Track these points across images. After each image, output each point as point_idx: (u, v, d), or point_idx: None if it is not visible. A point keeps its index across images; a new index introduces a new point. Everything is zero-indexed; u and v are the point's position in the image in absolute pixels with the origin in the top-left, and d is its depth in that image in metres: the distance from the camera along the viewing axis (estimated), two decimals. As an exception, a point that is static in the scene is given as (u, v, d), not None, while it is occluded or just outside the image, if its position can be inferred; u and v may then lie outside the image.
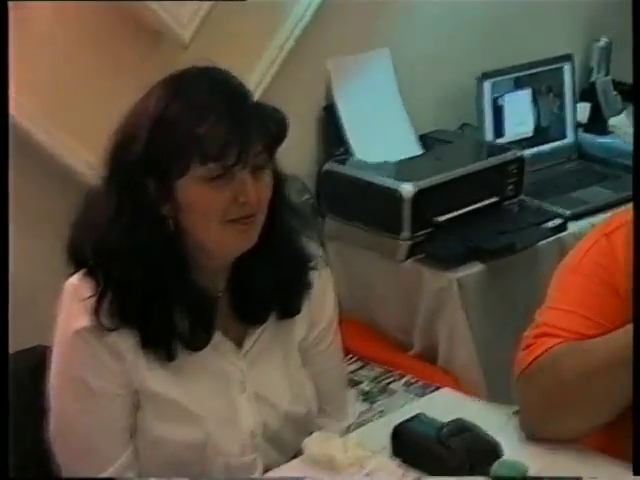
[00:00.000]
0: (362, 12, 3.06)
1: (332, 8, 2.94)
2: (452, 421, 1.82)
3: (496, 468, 1.47)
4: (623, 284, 1.87)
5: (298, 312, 1.91)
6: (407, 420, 1.87)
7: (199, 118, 1.71)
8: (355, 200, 2.87)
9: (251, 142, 1.72)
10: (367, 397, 2.63)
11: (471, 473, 1.74)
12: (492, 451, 1.77)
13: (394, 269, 2.83)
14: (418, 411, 1.92)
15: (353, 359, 2.77)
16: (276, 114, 1.77)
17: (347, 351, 2.69)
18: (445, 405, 1.99)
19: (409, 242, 2.80)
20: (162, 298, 1.80)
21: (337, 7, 2.96)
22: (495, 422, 1.90)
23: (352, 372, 2.73)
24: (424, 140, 3.12)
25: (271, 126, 1.75)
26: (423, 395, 2.44)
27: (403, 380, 2.70)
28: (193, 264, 1.81)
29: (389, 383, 2.71)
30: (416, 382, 2.66)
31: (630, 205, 1.97)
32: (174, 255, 1.80)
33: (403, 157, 2.98)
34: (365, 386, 2.69)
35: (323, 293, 1.98)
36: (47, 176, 2.62)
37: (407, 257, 2.81)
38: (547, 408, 1.84)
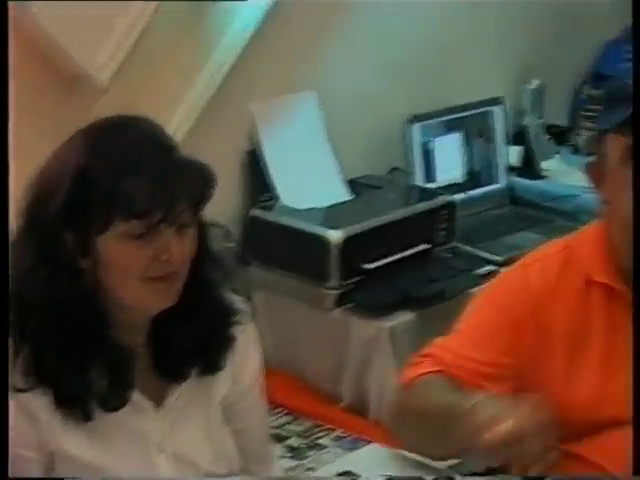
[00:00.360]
0: (287, 54, 3.09)
1: (256, 50, 2.95)
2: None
3: None
4: (532, 316, 1.93)
5: (220, 368, 1.88)
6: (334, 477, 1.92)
7: (123, 173, 1.69)
8: (282, 247, 2.86)
9: (177, 200, 1.70)
10: (295, 453, 2.61)
11: None
12: None
13: (322, 318, 2.83)
14: (347, 467, 1.92)
15: (281, 413, 2.74)
16: (204, 170, 1.75)
17: (274, 404, 2.68)
18: (374, 460, 1.99)
19: (337, 291, 2.81)
20: (78, 355, 1.76)
21: (261, 49, 2.97)
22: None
23: (280, 427, 2.72)
24: (353, 185, 3.14)
25: (198, 183, 1.73)
26: (354, 450, 2.38)
27: (333, 434, 2.69)
28: (111, 320, 1.78)
29: (318, 438, 2.69)
30: (346, 436, 2.64)
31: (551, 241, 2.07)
32: (92, 310, 1.77)
33: (331, 203, 3.00)
34: (293, 442, 2.67)
35: (247, 348, 1.95)
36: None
37: (335, 306, 2.81)
38: (393, 426, 1.97)
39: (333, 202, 3.01)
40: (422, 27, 3.45)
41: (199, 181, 1.73)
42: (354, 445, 2.54)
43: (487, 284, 2.16)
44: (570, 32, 3.86)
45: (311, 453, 2.64)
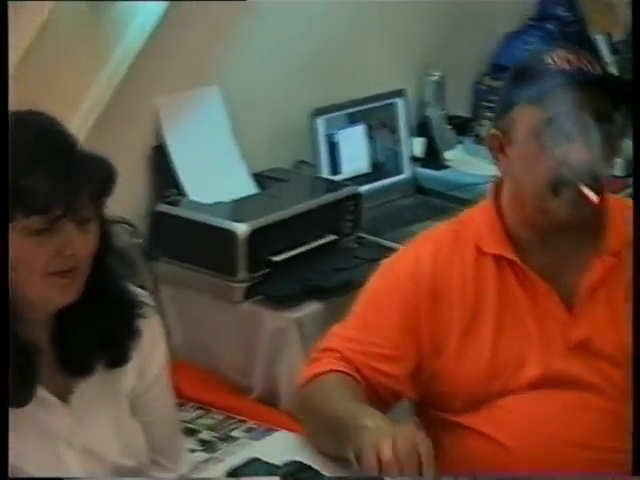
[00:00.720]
0: (191, 48, 3.08)
1: (159, 45, 2.94)
2: (288, 463, 1.85)
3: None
4: (426, 294, 1.99)
5: (126, 362, 1.89)
6: (242, 465, 1.90)
7: (23, 169, 1.69)
8: (189, 242, 2.87)
9: (78, 195, 1.71)
10: (207, 446, 2.63)
11: None
12: None
13: (231, 311, 2.85)
14: (255, 455, 1.93)
15: (192, 407, 2.76)
16: (104, 164, 1.77)
17: (186, 398, 2.72)
18: (283, 447, 2.01)
19: (245, 283, 2.83)
20: None
21: (165, 44, 2.96)
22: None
23: (191, 421, 2.73)
24: (259, 179, 3.16)
25: (99, 178, 1.75)
26: (264, 436, 2.43)
27: (244, 426, 2.71)
28: (13, 316, 1.77)
29: (230, 430, 2.71)
30: (258, 427, 2.66)
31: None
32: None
33: (237, 197, 3.02)
34: (205, 435, 2.69)
35: (152, 341, 1.97)
36: None
37: (244, 299, 2.83)
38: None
39: (239, 196, 3.03)
40: (325, 22, 3.47)
41: (100, 176, 1.75)
42: (266, 435, 2.53)
43: (380, 267, 2.19)
44: (470, 25, 3.93)
45: (223, 445, 2.66)
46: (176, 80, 3.05)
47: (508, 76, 2.05)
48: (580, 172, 1.90)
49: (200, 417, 2.78)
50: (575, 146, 1.90)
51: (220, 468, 2.00)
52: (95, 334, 1.85)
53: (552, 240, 2.00)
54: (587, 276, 2.00)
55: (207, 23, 3.11)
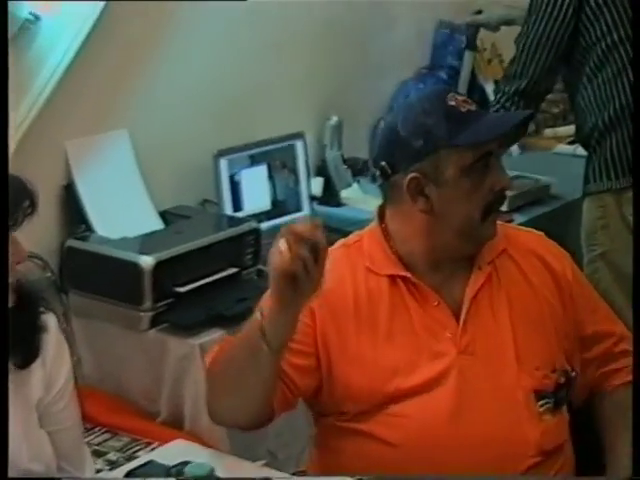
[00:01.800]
0: (100, 94, 3.12)
1: (69, 88, 2.97)
2: (180, 463, 1.92)
3: (188, 469, 1.59)
4: (326, 307, 2.04)
5: (34, 357, 1.97)
6: (139, 466, 2.02)
7: None
8: (97, 274, 2.92)
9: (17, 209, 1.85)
10: (114, 466, 2.63)
11: None
12: None
13: (138, 339, 2.89)
14: (151, 459, 2.05)
15: (101, 431, 2.81)
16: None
17: (95, 423, 2.82)
18: (178, 453, 2.07)
19: (151, 312, 2.86)
20: None
21: (75, 87, 2.99)
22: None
23: (99, 444, 2.77)
24: (165, 216, 3.21)
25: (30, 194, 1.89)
26: None
27: (150, 447, 2.72)
28: None
29: (136, 452, 2.73)
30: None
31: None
32: None
33: (144, 232, 3.06)
34: (112, 456, 2.73)
35: (59, 356, 2.05)
36: None
37: (150, 327, 2.87)
38: (210, 396, 2.06)
39: (146, 231, 3.07)
40: (230, 65, 3.51)
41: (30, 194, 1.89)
42: None
43: None
44: (368, 73, 4.04)
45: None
46: (86, 123, 3.09)
47: (420, 126, 2.04)
48: (503, 196, 2.09)
49: (107, 440, 2.80)
50: (500, 175, 2.05)
51: (120, 471, 2.07)
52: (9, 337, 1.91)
53: (439, 258, 2.10)
54: (469, 287, 2.10)
55: (117, 67, 3.15)
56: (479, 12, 3.90)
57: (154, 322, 2.88)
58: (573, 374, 2.17)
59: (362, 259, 2.13)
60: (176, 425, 2.86)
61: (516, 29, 3.62)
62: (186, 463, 1.90)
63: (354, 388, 2.07)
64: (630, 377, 2.19)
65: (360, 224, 3.36)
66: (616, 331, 2.26)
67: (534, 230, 2.36)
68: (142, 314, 2.86)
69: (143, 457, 2.17)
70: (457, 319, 2.09)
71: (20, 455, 1.96)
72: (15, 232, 1.90)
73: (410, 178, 2.01)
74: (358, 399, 2.07)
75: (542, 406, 2.09)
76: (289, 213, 3.52)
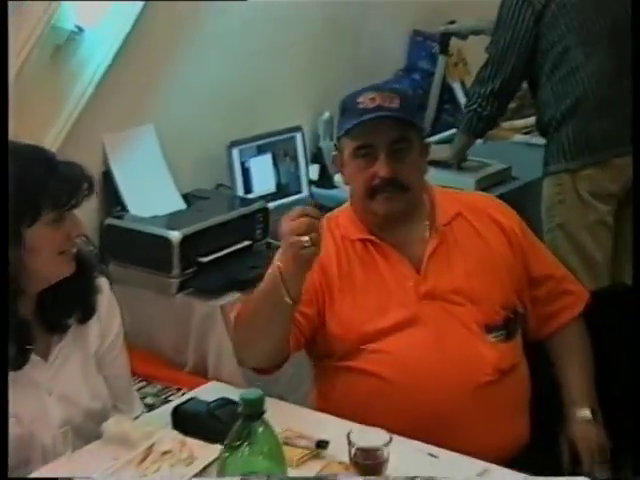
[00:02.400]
0: (130, 94, 3.13)
1: (105, 92, 2.98)
2: (217, 399, 2.01)
3: (242, 395, 1.58)
4: (320, 270, 2.12)
5: (92, 315, 2.03)
6: (183, 402, 2.06)
7: (41, 181, 1.86)
8: (133, 248, 2.93)
9: (80, 192, 1.91)
10: (151, 408, 2.57)
11: None
12: None
13: (168, 302, 2.90)
14: (192, 396, 2.10)
15: (137, 380, 2.80)
16: (86, 171, 1.95)
17: (132, 373, 2.76)
18: (214, 392, 2.13)
19: (178, 279, 2.88)
20: None
21: (109, 91, 3.01)
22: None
23: (137, 390, 2.70)
24: (187, 197, 3.21)
25: (88, 178, 1.94)
26: None
27: (180, 392, 2.71)
28: (14, 296, 1.87)
29: (168, 396, 2.75)
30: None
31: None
32: (10, 292, 1.85)
33: (170, 211, 3.07)
34: (149, 400, 2.74)
35: (111, 313, 2.12)
36: None
37: (178, 291, 2.88)
38: (238, 346, 2.16)
39: (172, 211, 3.08)
40: (238, 69, 3.51)
41: (87, 177, 1.94)
42: None
43: None
44: (353, 74, 3.87)
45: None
46: (119, 119, 3.10)
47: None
48: (385, 182, 2.12)
49: (144, 387, 2.81)
50: (379, 164, 2.10)
51: (167, 408, 2.08)
52: (69, 298, 1.98)
53: (394, 224, 2.18)
54: (428, 245, 2.18)
55: (144, 72, 3.16)
56: (452, 22, 3.97)
57: (181, 287, 2.90)
58: (522, 310, 2.23)
59: (338, 229, 2.21)
60: (201, 373, 2.88)
61: (481, 38, 3.71)
62: (223, 399, 2.00)
63: (340, 331, 2.14)
64: (573, 314, 2.28)
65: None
66: (558, 273, 2.32)
67: (485, 193, 2.47)
68: (171, 280, 2.88)
69: (185, 396, 2.20)
70: (418, 272, 2.16)
71: (81, 396, 2.01)
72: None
73: (333, 155, 2.27)
74: (344, 340, 2.14)
75: (495, 337, 2.16)
76: (291, 195, 3.54)
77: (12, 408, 1.87)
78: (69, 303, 2.00)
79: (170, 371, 2.92)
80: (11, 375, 1.88)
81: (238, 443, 1.36)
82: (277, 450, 1.46)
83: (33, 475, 1.85)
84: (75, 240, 1.95)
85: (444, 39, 4.01)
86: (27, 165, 1.89)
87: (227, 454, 1.37)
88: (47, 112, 2.83)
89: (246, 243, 3.08)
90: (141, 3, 2.99)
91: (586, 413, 2.19)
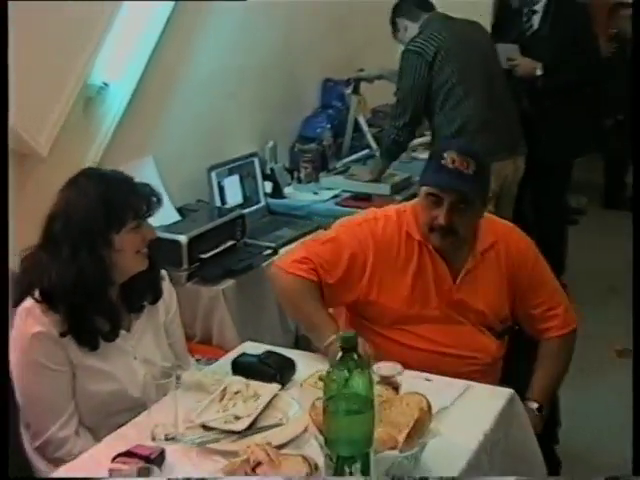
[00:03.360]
0: (138, 132, 3.12)
1: (118, 134, 2.95)
2: (266, 351, 2.11)
3: (341, 333, 1.54)
4: (364, 255, 2.14)
5: (159, 298, 2.11)
6: (238, 356, 2.13)
7: (127, 194, 1.94)
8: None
9: (152, 205, 1.99)
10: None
11: (281, 379, 2.00)
12: (292, 364, 2.08)
13: (180, 290, 2.57)
14: (242, 352, 2.16)
15: None
16: (153, 188, 2.04)
17: None
18: (250, 348, 2.21)
19: (187, 272, 2.91)
20: (93, 313, 1.93)
21: (123, 131, 2.97)
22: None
23: None
24: (180, 211, 3.25)
25: (155, 194, 2.04)
26: (208, 364, 2.37)
27: (192, 359, 2.60)
28: (105, 284, 1.95)
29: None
30: (201, 359, 2.59)
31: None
32: (104, 281, 1.93)
33: (171, 222, 3.09)
34: None
35: (170, 294, 2.21)
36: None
37: (187, 281, 2.90)
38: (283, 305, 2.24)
39: (172, 221, 3.11)
40: (210, 109, 3.51)
41: (155, 194, 2.02)
42: (207, 362, 2.49)
43: (347, 219, 2.29)
44: (286, 112, 4.05)
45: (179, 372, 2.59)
46: (129, 152, 3.05)
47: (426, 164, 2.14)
48: (441, 227, 2.11)
49: None
50: (441, 211, 2.08)
51: (220, 362, 2.16)
52: (145, 283, 2.07)
53: (446, 241, 2.15)
54: (465, 264, 2.18)
55: (143, 116, 3.12)
56: (361, 70, 4.12)
57: (189, 278, 2.92)
58: (512, 325, 2.27)
59: (404, 225, 2.19)
60: (206, 343, 2.89)
61: (383, 82, 3.90)
62: (269, 351, 2.09)
63: (387, 308, 2.17)
64: (557, 334, 2.23)
65: (297, 209, 3.54)
66: (554, 300, 2.25)
67: (510, 224, 2.33)
68: (181, 273, 2.90)
69: (238, 349, 2.25)
70: (454, 281, 2.18)
71: (156, 358, 2.09)
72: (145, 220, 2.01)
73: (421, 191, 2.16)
74: (389, 315, 2.17)
75: (494, 334, 2.23)
76: (253, 204, 3.55)
77: (109, 370, 1.96)
78: (144, 289, 2.08)
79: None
80: (106, 346, 1.97)
81: (342, 368, 1.44)
82: (366, 370, 1.48)
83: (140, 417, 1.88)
84: (148, 242, 2.02)
85: (357, 83, 4.11)
86: (113, 185, 1.95)
87: (334, 377, 1.44)
88: (81, 149, 2.83)
89: (231, 242, 3.11)
90: (142, 65, 3.00)
91: (534, 406, 2.17)
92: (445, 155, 2.08)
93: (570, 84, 3.95)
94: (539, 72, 3.91)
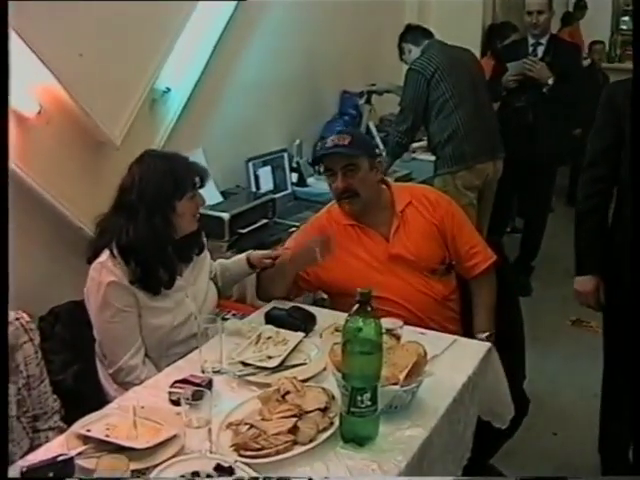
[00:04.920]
0: (191, 128, 3.05)
1: (175, 131, 2.92)
2: (292, 306, 2.16)
3: (359, 289, 1.49)
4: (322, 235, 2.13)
5: (203, 251, 2.13)
6: (271, 309, 2.16)
7: (190, 169, 1.96)
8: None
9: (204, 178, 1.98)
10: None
11: (305, 329, 2.02)
12: (314, 317, 2.10)
13: (221, 257, 2.63)
14: (273, 305, 2.18)
15: None
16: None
17: None
18: (279, 304, 2.19)
19: (227, 243, 2.92)
20: (157, 265, 1.96)
21: (180, 127, 2.94)
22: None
23: None
24: (223, 193, 3.23)
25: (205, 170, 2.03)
26: (242, 318, 2.32)
27: (230, 313, 2.57)
28: (167, 240, 1.98)
29: (225, 315, 2.57)
30: (237, 314, 2.49)
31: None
32: (169, 239, 1.97)
33: (216, 202, 3.08)
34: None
35: (206, 254, 2.21)
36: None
37: (227, 251, 2.89)
38: (260, 288, 2.26)
39: (217, 201, 3.10)
40: (247, 114, 3.44)
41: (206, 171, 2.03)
42: (242, 316, 2.39)
43: (307, 222, 2.37)
44: (311, 117, 4.04)
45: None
46: (183, 145, 2.92)
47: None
48: (342, 191, 2.13)
49: None
50: (337, 180, 2.12)
51: (256, 314, 2.15)
52: (193, 242, 2.09)
53: (367, 213, 2.18)
54: (392, 225, 2.19)
55: (196, 116, 3.10)
56: (373, 84, 4.12)
57: (229, 248, 2.92)
58: (451, 262, 2.24)
59: (334, 216, 2.24)
60: (242, 301, 2.76)
61: (390, 95, 3.90)
62: (295, 306, 2.11)
63: (334, 280, 2.17)
64: (480, 269, 2.20)
65: (317, 196, 3.48)
66: (473, 241, 2.24)
67: (426, 185, 2.45)
68: (223, 244, 2.91)
69: (269, 305, 2.22)
70: (387, 241, 2.18)
71: (206, 297, 2.13)
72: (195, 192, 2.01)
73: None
74: (337, 286, 2.17)
75: (437, 276, 2.21)
76: (282, 191, 3.53)
77: (167, 306, 1.99)
78: (193, 244, 2.11)
79: (222, 300, 2.81)
80: (165, 291, 1.99)
81: (358, 317, 1.48)
82: (377, 319, 1.50)
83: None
84: (200, 208, 2.05)
85: (369, 95, 4.11)
86: (175, 162, 1.98)
87: (352, 324, 1.48)
88: (147, 140, 2.81)
89: (263, 221, 3.12)
90: (197, 75, 3.00)
91: (485, 335, 2.15)
92: (327, 140, 2.12)
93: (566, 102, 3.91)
94: (550, 82, 3.80)
